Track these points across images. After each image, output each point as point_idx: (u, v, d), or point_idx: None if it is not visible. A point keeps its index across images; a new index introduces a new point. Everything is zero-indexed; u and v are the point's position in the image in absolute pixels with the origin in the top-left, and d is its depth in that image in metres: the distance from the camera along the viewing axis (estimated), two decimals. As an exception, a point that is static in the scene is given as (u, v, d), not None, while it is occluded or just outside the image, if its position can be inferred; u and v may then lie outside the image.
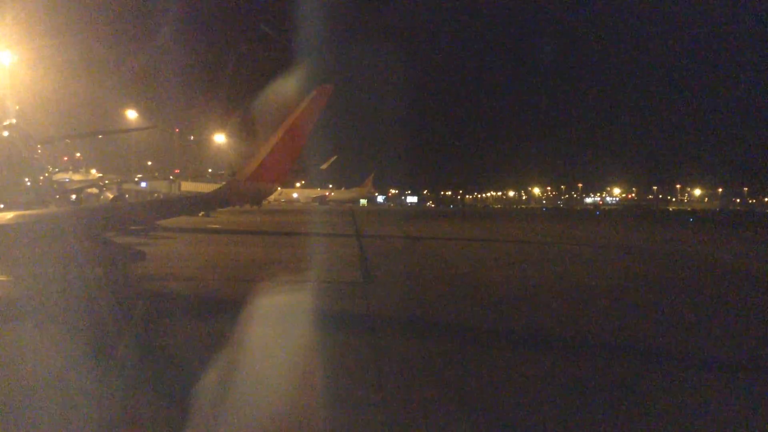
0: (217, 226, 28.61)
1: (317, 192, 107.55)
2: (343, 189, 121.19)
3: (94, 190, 34.74)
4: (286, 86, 9.69)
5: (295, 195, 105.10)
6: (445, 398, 5.31)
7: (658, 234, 32.65)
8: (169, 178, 51.42)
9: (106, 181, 34.97)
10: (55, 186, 23.10)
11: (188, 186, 56.12)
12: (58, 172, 30.02)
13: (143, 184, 50.95)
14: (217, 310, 9.21)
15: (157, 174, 49.10)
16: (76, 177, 41.42)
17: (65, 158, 61.65)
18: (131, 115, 51.46)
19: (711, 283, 13.44)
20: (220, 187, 13.00)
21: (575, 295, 11.12)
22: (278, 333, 6.99)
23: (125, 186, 41.52)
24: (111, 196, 30.55)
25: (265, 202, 70.52)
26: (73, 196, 27.05)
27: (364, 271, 13.49)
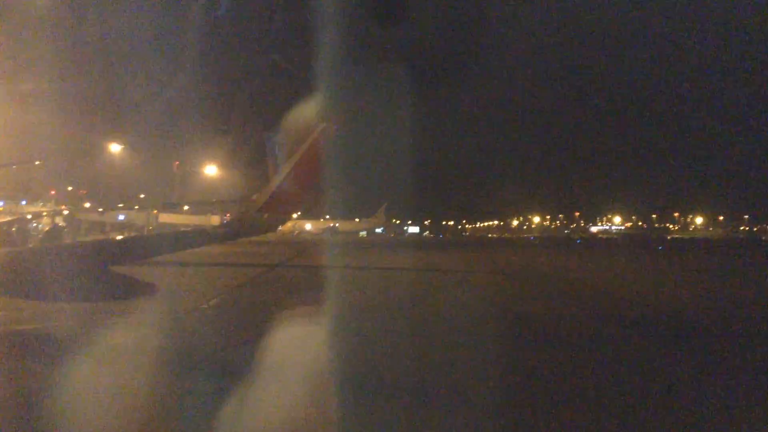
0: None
1: (325, 224, 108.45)
2: (357, 220, 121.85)
3: (48, 221, 35.38)
4: (297, 117, 9.69)
5: (308, 226, 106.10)
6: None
7: (602, 261, 33.45)
8: (148, 210, 52.70)
9: (44, 213, 35.89)
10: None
11: (165, 218, 57.31)
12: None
13: (120, 217, 52.28)
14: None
15: (137, 207, 50.25)
16: (47, 209, 42.64)
17: (52, 192, 63.34)
18: (115, 147, 52.80)
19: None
20: (230, 220, 13.44)
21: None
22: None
23: (82, 216, 42.46)
24: (46, 229, 31.40)
25: (277, 234, 71.23)
26: None
27: (218, 300, 14.18)
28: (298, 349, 7.74)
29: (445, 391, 6.94)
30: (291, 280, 20.83)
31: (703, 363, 8.76)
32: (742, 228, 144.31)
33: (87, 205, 60.56)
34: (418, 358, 8.08)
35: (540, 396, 6.80)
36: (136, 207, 52.37)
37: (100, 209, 43.77)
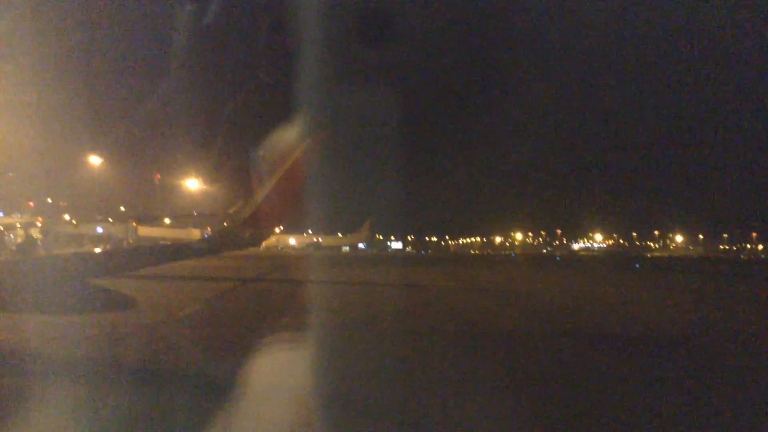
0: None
1: (309, 239, 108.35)
2: (340, 235, 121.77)
3: (22, 233, 34.95)
4: (281, 133, 9.72)
5: (291, 241, 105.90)
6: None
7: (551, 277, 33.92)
8: (127, 223, 52.48)
9: (17, 225, 35.51)
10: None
11: (145, 231, 57.07)
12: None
13: (99, 229, 52.00)
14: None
15: (110, 219, 49.98)
16: (21, 221, 42.26)
17: (30, 203, 62.84)
18: (95, 160, 52.64)
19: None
20: (213, 234, 13.20)
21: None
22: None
23: (59, 228, 42.28)
24: (19, 241, 31.09)
25: (261, 248, 70.95)
26: None
27: (164, 313, 14.02)
28: (251, 366, 7.88)
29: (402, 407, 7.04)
30: (263, 294, 20.89)
31: (646, 376, 9.06)
32: (721, 247, 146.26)
33: (66, 217, 60.17)
34: (376, 373, 8.20)
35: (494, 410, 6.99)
36: (110, 219, 52.10)
37: (74, 221, 43.46)
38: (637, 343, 12.21)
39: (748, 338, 13.39)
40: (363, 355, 9.52)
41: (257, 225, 9.97)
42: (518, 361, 9.84)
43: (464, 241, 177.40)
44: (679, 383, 8.67)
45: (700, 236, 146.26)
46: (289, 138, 9.81)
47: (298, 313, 14.49)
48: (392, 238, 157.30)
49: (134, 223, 54.24)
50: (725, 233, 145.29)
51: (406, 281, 28.69)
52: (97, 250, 37.99)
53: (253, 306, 16.94)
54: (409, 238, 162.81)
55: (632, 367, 9.76)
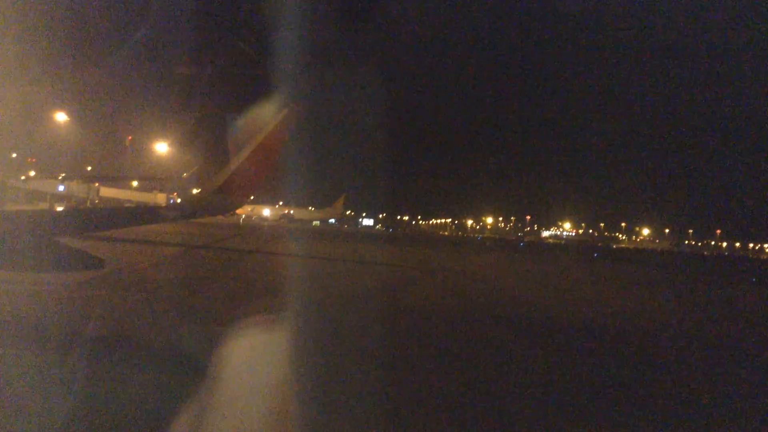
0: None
1: (281, 210, 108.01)
2: (312, 209, 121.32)
3: None
4: (260, 102, 9.68)
5: (266, 212, 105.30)
6: None
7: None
8: (89, 183, 51.85)
9: None
10: None
11: (108, 192, 56.47)
12: None
13: (61, 187, 51.39)
14: None
15: (62, 176, 48.97)
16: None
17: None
18: (62, 117, 51.72)
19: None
20: (184, 199, 12.94)
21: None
22: None
23: (21, 185, 41.72)
24: None
25: (233, 216, 70.13)
26: None
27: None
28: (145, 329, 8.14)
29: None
30: (198, 262, 20.92)
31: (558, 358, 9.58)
32: (686, 242, 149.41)
33: (32, 173, 59.25)
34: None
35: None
36: (61, 176, 51.14)
37: (23, 177, 42.80)
38: (557, 332, 12.58)
39: (674, 330, 13.95)
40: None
41: (230, 192, 10.07)
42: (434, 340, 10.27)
43: (436, 221, 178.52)
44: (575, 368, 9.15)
45: (667, 230, 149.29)
46: (268, 107, 9.96)
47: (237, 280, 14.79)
48: (364, 215, 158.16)
49: (97, 183, 53.63)
50: (691, 229, 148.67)
51: (356, 258, 29.09)
52: (59, 208, 37.61)
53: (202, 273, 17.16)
54: (381, 216, 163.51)
55: (542, 352, 10.22)
